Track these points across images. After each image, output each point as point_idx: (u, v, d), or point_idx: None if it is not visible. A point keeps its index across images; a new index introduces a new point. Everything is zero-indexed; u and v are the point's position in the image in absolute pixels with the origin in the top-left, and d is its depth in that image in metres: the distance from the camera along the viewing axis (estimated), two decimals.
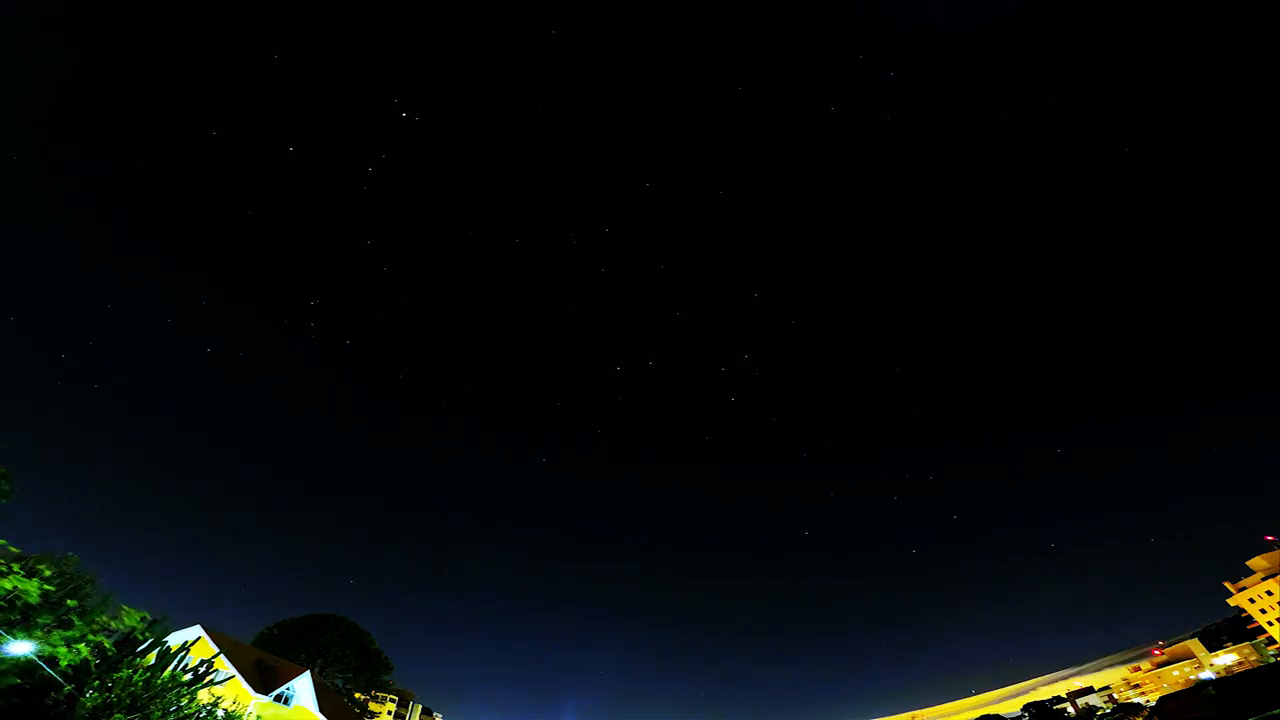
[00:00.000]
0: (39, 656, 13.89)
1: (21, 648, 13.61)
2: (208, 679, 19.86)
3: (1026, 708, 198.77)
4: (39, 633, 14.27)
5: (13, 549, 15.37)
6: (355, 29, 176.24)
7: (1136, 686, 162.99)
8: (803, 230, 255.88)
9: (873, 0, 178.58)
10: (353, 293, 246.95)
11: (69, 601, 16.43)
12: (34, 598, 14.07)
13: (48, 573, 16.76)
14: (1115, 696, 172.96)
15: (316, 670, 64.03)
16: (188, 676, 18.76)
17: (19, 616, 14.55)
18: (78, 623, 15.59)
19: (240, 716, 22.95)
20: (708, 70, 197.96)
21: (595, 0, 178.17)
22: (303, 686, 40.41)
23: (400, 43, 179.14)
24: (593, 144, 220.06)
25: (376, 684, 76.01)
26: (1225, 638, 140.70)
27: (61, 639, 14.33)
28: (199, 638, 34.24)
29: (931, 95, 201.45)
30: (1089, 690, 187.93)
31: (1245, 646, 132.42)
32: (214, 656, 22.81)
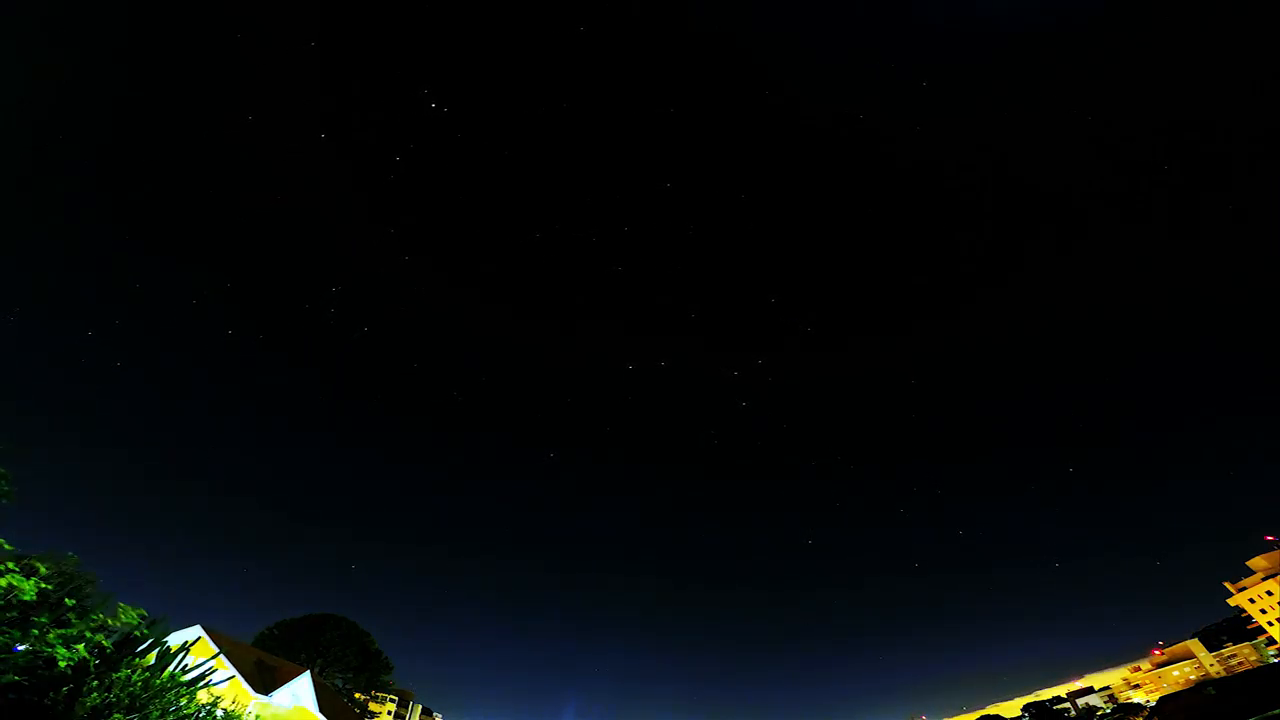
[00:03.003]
0: (38, 656, 13.87)
1: (20, 647, 13.60)
2: (207, 679, 19.83)
3: (1026, 708, 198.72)
4: (36, 632, 14.24)
5: (7, 547, 15.34)
6: (391, 18, 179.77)
7: (1137, 686, 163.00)
8: (822, 237, 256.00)
9: (907, 7, 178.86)
10: (373, 281, 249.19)
11: (67, 600, 16.41)
12: (30, 596, 14.04)
13: (45, 571, 16.74)
14: (1115, 696, 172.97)
15: (316, 670, 64.01)
16: (187, 677, 18.73)
17: (16, 615, 14.52)
18: (76, 622, 15.57)
19: (240, 716, 22.91)
20: (734, 74, 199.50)
21: (625, 2, 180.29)
22: (303, 686, 40.39)
23: (432, 34, 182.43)
24: (616, 142, 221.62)
25: (376, 684, 75.98)
26: (1225, 638, 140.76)
27: (59, 638, 14.31)
28: (199, 638, 34.20)
29: (957, 103, 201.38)
30: (1089, 690, 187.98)
31: (1245, 646, 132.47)
32: (214, 656, 22.79)
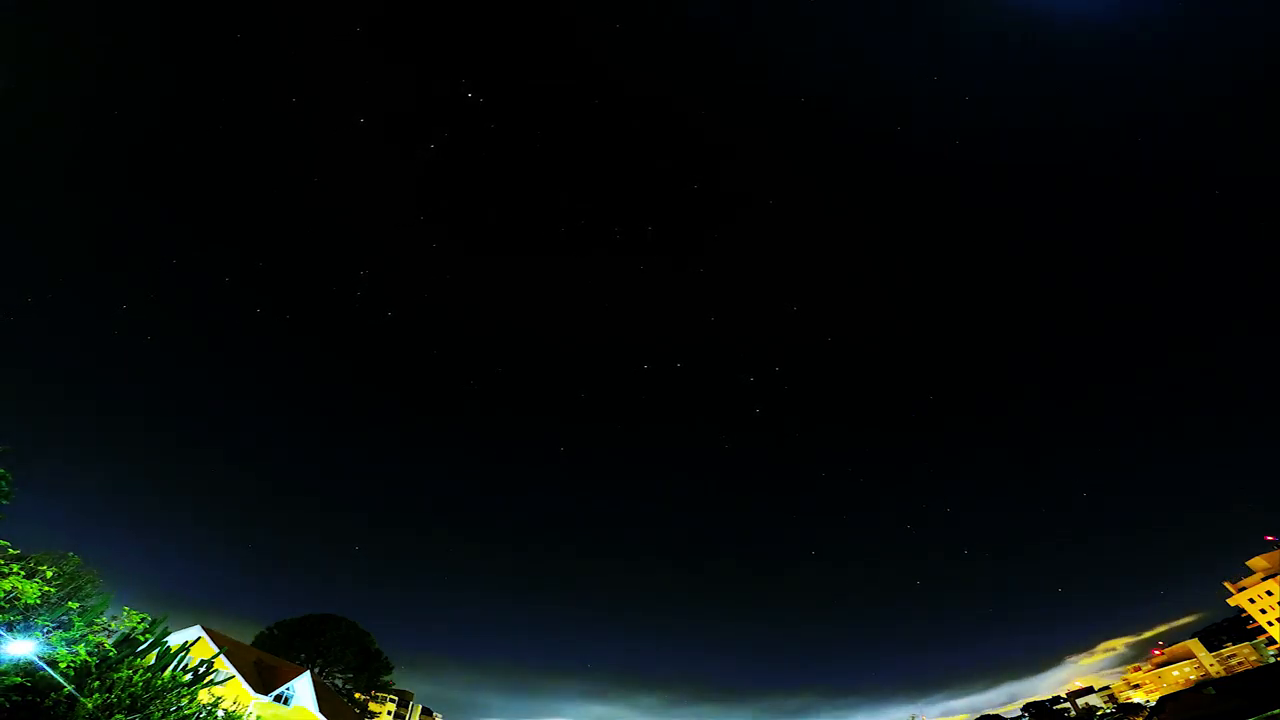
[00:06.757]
0: (40, 657, 13.90)
1: (22, 648, 13.64)
2: (208, 679, 19.88)
3: (1026, 708, 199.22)
4: (38, 634, 14.28)
5: (12, 550, 15.39)
6: (436, 7, 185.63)
7: (1137, 686, 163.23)
8: (849, 249, 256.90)
9: (952, 20, 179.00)
10: (401, 266, 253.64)
11: (70, 604, 16.46)
12: (33, 598, 14.09)
13: (49, 574, 16.81)
14: (1115, 696, 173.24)
15: (316, 670, 64.10)
16: (188, 677, 18.78)
17: (19, 617, 14.56)
18: (77, 623, 15.62)
19: (240, 717, 22.96)
20: (768, 80, 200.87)
21: (663, 1, 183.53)
22: (303, 686, 40.46)
23: (474, 25, 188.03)
24: (645, 142, 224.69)
25: (376, 684, 76.09)
26: (1225, 638, 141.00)
27: (61, 640, 14.35)
28: (199, 638, 34.29)
29: (998, 116, 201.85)
30: (1089, 690, 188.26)
31: (1245, 646, 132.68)
32: (214, 656, 22.81)
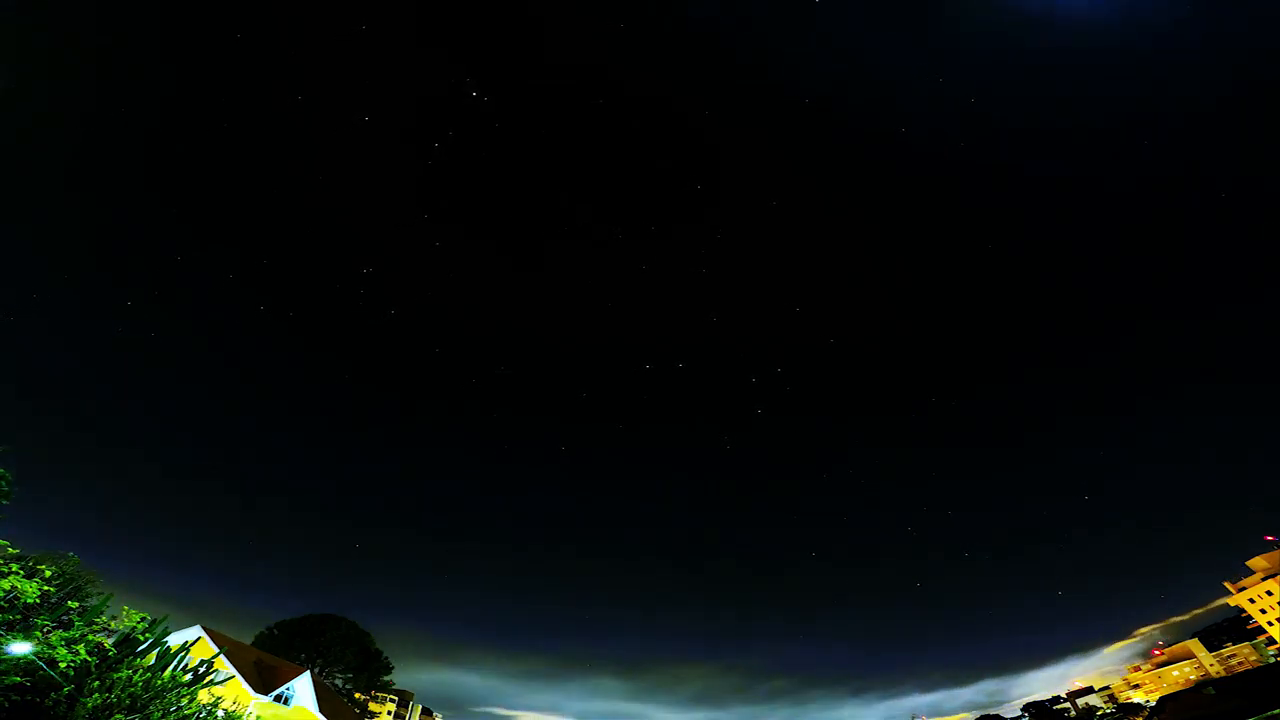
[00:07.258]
0: (39, 657, 13.90)
1: (22, 648, 13.64)
2: (208, 679, 19.88)
3: (1026, 708, 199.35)
4: (38, 634, 14.27)
5: (12, 550, 15.39)
6: (441, 6, 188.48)
7: (1137, 686, 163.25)
8: (852, 251, 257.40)
9: (953, 20, 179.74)
10: (404, 265, 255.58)
11: (70, 603, 16.46)
12: (33, 598, 14.08)
13: (49, 573, 16.81)
14: (1115, 696, 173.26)
15: (316, 670, 64.12)
16: (188, 677, 18.78)
17: (19, 617, 14.56)
18: (77, 623, 15.62)
19: (240, 717, 22.96)
20: (773, 81, 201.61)
21: (667, 1, 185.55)
22: (302, 686, 40.46)
23: (477, 24, 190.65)
24: (648, 141, 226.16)
25: (376, 684, 76.09)
26: (1225, 638, 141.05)
27: (61, 640, 14.35)
28: (199, 638, 34.30)
29: (1005, 120, 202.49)
30: (1089, 690, 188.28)
31: (1245, 646, 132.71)
32: (214, 656, 22.81)
